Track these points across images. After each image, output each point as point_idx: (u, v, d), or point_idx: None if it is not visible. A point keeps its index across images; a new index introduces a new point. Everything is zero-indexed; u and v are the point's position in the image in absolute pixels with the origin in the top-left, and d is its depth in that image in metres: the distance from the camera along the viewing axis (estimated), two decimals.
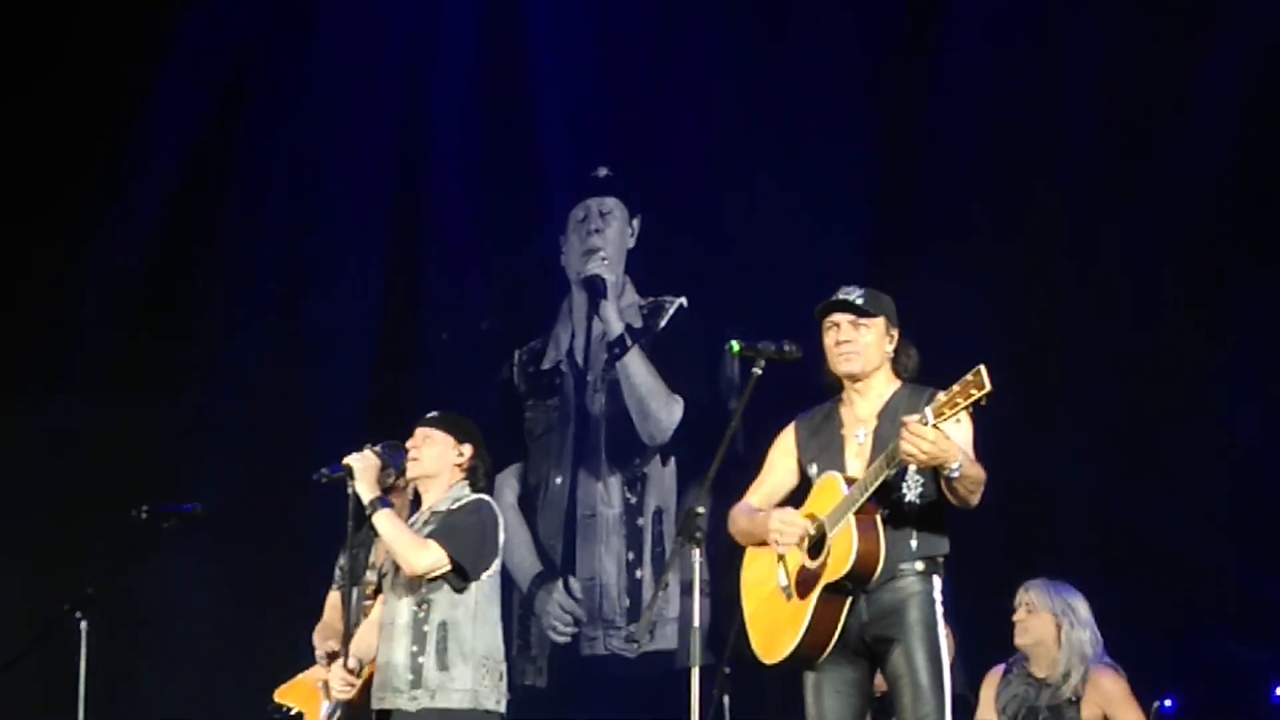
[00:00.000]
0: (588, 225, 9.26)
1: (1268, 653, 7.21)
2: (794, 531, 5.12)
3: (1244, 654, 7.19)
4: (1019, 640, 6.36)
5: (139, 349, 8.61)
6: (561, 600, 9.00)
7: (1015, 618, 6.39)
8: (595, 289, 9.24)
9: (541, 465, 9.20)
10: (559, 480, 9.17)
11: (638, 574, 8.91)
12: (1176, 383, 7.22)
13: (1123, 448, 7.34)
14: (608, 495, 9.05)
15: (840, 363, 5.25)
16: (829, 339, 5.27)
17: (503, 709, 5.88)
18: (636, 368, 9.06)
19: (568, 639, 8.95)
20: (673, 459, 8.87)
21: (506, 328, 9.37)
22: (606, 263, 9.22)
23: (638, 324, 9.12)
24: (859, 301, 5.24)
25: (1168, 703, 7.04)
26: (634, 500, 8.99)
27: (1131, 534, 7.27)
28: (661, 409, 8.94)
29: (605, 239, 9.23)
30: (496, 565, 5.95)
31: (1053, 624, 6.30)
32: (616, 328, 9.13)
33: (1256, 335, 7.15)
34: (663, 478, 8.90)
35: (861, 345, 5.24)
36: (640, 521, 8.96)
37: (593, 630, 8.96)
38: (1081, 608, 6.32)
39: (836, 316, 5.26)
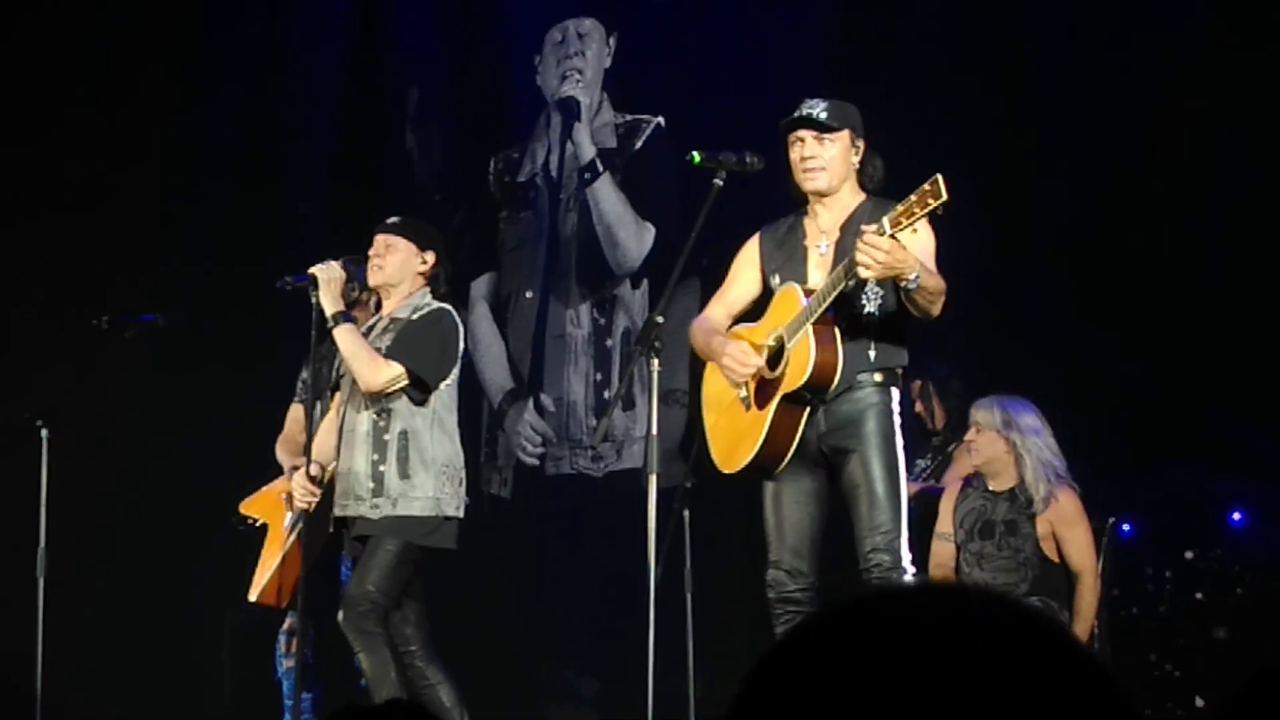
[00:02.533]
0: (565, 48, 9.14)
1: (1224, 482, 7.25)
2: (745, 371, 5.14)
3: (1202, 483, 7.22)
4: (972, 460, 6.40)
5: (99, 160, 8.51)
6: (532, 420, 9.01)
7: (966, 438, 6.43)
8: (569, 111, 9.13)
9: (513, 278, 9.16)
10: (529, 295, 9.14)
11: (605, 394, 8.92)
12: (1150, 217, 7.19)
13: (1091, 281, 7.33)
14: (577, 317, 9.02)
15: (805, 180, 5.23)
16: (794, 155, 5.24)
17: (461, 514, 5.93)
18: (606, 195, 8.98)
19: (535, 460, 8.97)
20: (645, 282, 8.83)
21: (484, 139, 9.27)
22: (582, 85, 9.11)
23: (611, 144, 9.03)
24: (822, 116, 5.20)
25: (1125, 526, 7.11)
26: (603, 322, 8.97)
27: (1096, 368, 7.27)
28: (630, 238, 8.88)
29: (584, 61, 9.12)
30: (455, 374, 5.98)
31: (1000, 440, 6.32)
32: (588, 152, 9.04)
33: (1228, 178, 7.11)
34: (633, 300, 8.87)
35: (826, 160, 5.21)
36: (609, 343, 8.94)
37: (559, 450, 8.98)
38: (1028, 418, 6.31)
39: (800, 132, 5.23)
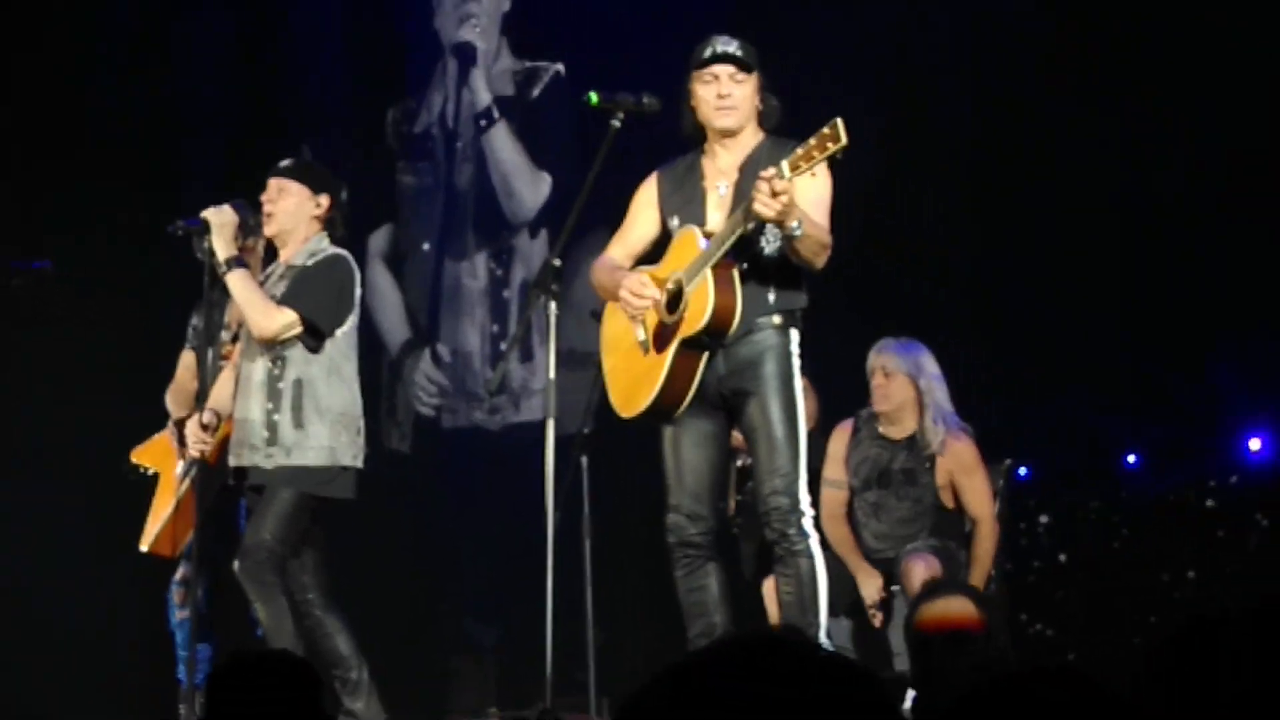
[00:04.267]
0: None
1: (1120, 420, 7.30)
2: (644, 301, 5.10)
3: (1099, 422, 7.27)
4: (879, 406, 6.32)
5: None
6: (429, 371, 8.95)
7: (874, 383, 6.34)
8: (466, 57, 9.04)
9: (410, 230, 9.09)
10: (426, 247, 9.06)
11: (501, 346, 8.87)
12: (1054, 144, 7.19)
13: (991, 213, 7.35)
14: (474, 268, 8.96)
15: (718, 117, 5.18)
16: (707, 92, 5.18)
17: (359, 464, 5.86)
18: (502, 143, 8.91)
19: (432, 411, 8.92)
20: (543, 232, 8.77)
21: (378, 87, 9.16)
22: (479, 30, 9.02)
23: (509, 91, 8.95)
24: (740, 54, 5.17)
25: (1021, 470, 7.16)
26: (500, 273, 8.91)
27: (996, 301, 7.30)
28: (525, 188, 8.82)
29: (480, 6, 9.02)
30: (352, 321, 5.89)
31: (910, 386, 6.29)
32: (484, 98, 8.96)
33: (1129, 97, 7.13)
34: (531, 251, 8.81)
35: (739, 99, 5.17)
36: (506, 294, 8.89)
37: (456, 403, 8.93)
38: (933, 365, 6.30)
39: (716, 68, 5.17)
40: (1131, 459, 7.46)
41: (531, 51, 8.88)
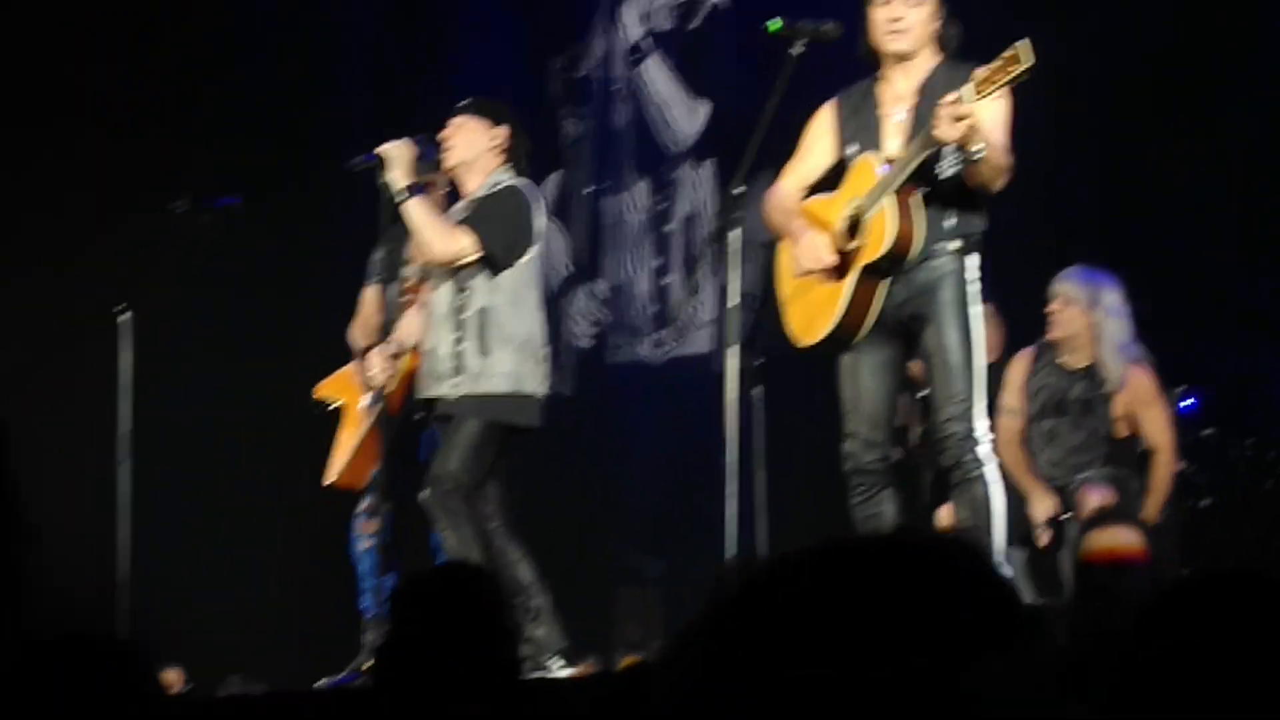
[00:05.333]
0: None
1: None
2: (816, 267, 5.09)
3: (1263, 360, 7.15)
4: (1051, 334, 6.33)
5: (161, 57, 8.52)
6: (583, 306, 9.01)
7: (1048, 309, 6.34)
8: None
9: (573, 176, 9.15)
10: (587, 190, 9.12)
11: (663, 280, 8.90)
12: (1211, 89, 7.08)
13: (1146, 151, 7.24)
14: (634, 202, 9.00)
15: (890, 41, 5.13)
16: (879, 15, 5.13)
17: (545, 391, 5.91)
18: (655, 75, 8.93)
19: (589, 343, 8.98)
20: (707, 161, 8.77)
21: (540, 33, 9.22)
22: None
23: (667, 25, 8.96)
24: None
25: (1188, 402, 7.06)
26: (662, 206, 8.94)
27: (1148, 237, 7.20)
28: (682, 116, 8.82)
29: None
30: (534, 250, 5.93)
31: (1084, 317, 6.25)
32: (635, 34, 8.99)
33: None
34: (694, 182, 8.82)
35: (913, 22, 5.11)
36: (668, 228, 8.91)
37: (618, 338, 8.98)
38: (1113, 296, 6.25)
39: None
40: None
41: None
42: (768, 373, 6.28)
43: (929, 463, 6.64)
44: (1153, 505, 6.17)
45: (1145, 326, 6.47)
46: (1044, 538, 6.21)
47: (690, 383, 8.53)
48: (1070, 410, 6.31)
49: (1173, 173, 7.14)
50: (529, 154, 6.09)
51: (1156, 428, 6.24)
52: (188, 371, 8.06)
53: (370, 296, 6.57)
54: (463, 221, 5.85)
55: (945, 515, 5.91)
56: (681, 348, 8.80)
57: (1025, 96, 5.02)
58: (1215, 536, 6.69)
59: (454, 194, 6.21)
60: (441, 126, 6.07)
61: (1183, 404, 6.85)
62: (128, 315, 6.53)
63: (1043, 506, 6.23)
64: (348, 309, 6.60)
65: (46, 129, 8.24)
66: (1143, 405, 6.24)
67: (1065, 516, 6.22)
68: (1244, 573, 1.63)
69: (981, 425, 5.05)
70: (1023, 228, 6.87)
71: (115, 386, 6.53)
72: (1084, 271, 6.32)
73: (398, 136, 6.01)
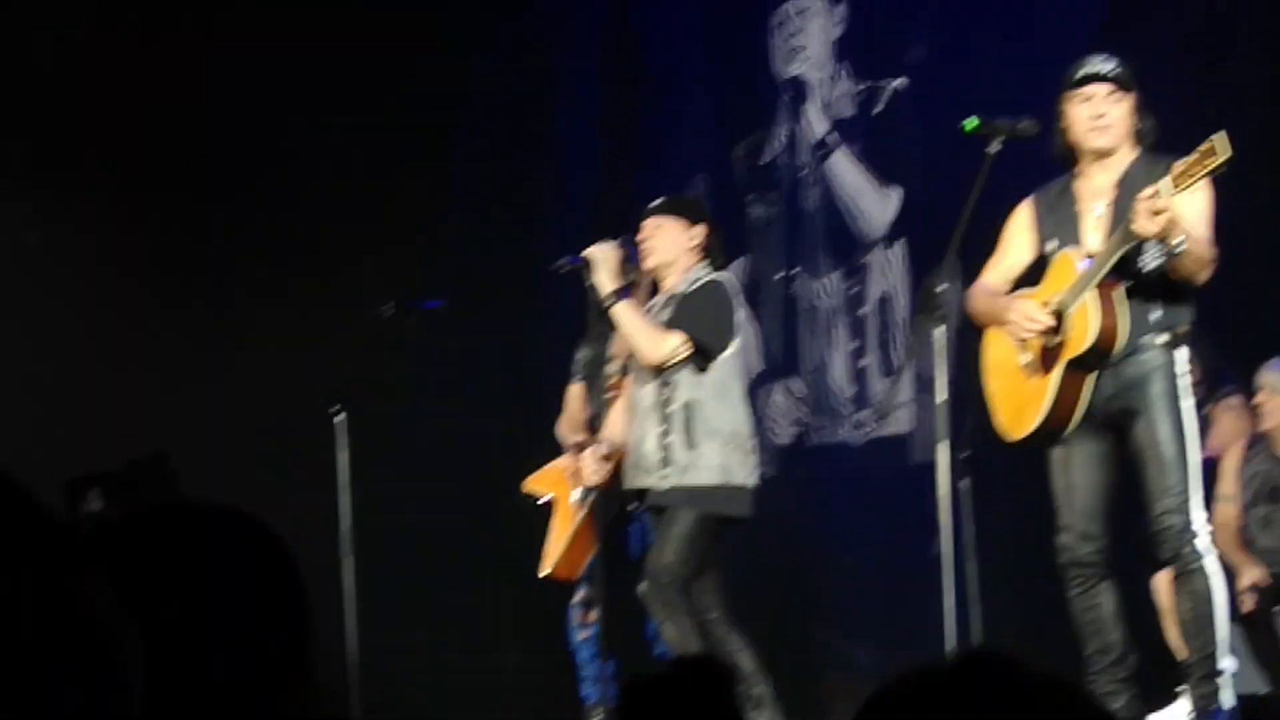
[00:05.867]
0: (786, 29, 9.19)
1: None
2: (1034, 327, 5.14)
3: None
4: (1264, 425, 6.30)
5: (376, 159, 8.78)
6: (780, 401, 9.09)
7: (1255, 400, 6.32)
8: (797, 90, 9.18)
9: (762, 260, 9.24)
10: (778, 276, 9.21)
11: (861, 362, 8.94)
12: None
13: None
14: (827, 287, 9.06)
15: (1093, 138, 5.18)
16: (1081, 112, 5.18)
17: (754, 482, 6.01)
18: (843, 168, 8.99)
19: (788, 440, 9.05)
20: (898, 244, 8.80)
21: (727, 124, 9.39)
22: (808, 62, 9.14)
23: (850, 113, 9.04)
24: (1117, 72, 5.16)
25: None
26: (855, 290, 8.98)
27: None
28: (873, 206, 8.87)
29: (807, 37, 9.15)
30: (737, 343, 6.06)
31: None
32: (819, 129, 9.07)
33: None
34: (887, 265, 8.86)
35: (1115, 119, 5.16)
36: (863, 311, 8.95)
37: (818, 420, 9.03)
38: None
39: (1091, 88, 5.16)
40: None
41: (875, 69, 8.94)
42: (974, 465, 6.32)
43: None
44: None
45: None
46: (1248, 603, 6.17)
47: (891, 465, 8.57)
48: None
49: None
50: (723, 249, 6.24)
51: None
52: (402, 469, 8.27)
53: (575, 393, 6.75)
54: (670, 321, 6.00)
55: (1159, 583, 5.91)
56: (881, 429, 8.83)
57: (1228, 187, 5.04)
58: None
59: (654, 289, 6.37)
60: (637, 227, 6.24)
61: None
62: (342, 415, 6.76)
63: (1250, 575, 6.21)
64: (555, 406, 6.77)
65: (269, 226, 8.56)
66: None
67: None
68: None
69: (1199, 517, 5.05)
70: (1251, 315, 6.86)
71: (335, 484, 6.75)
72: None
73: (603, 236, 6.20)
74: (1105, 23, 7.51)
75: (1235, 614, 5.90)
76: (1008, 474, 6.64)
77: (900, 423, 8.64)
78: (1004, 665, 1.48)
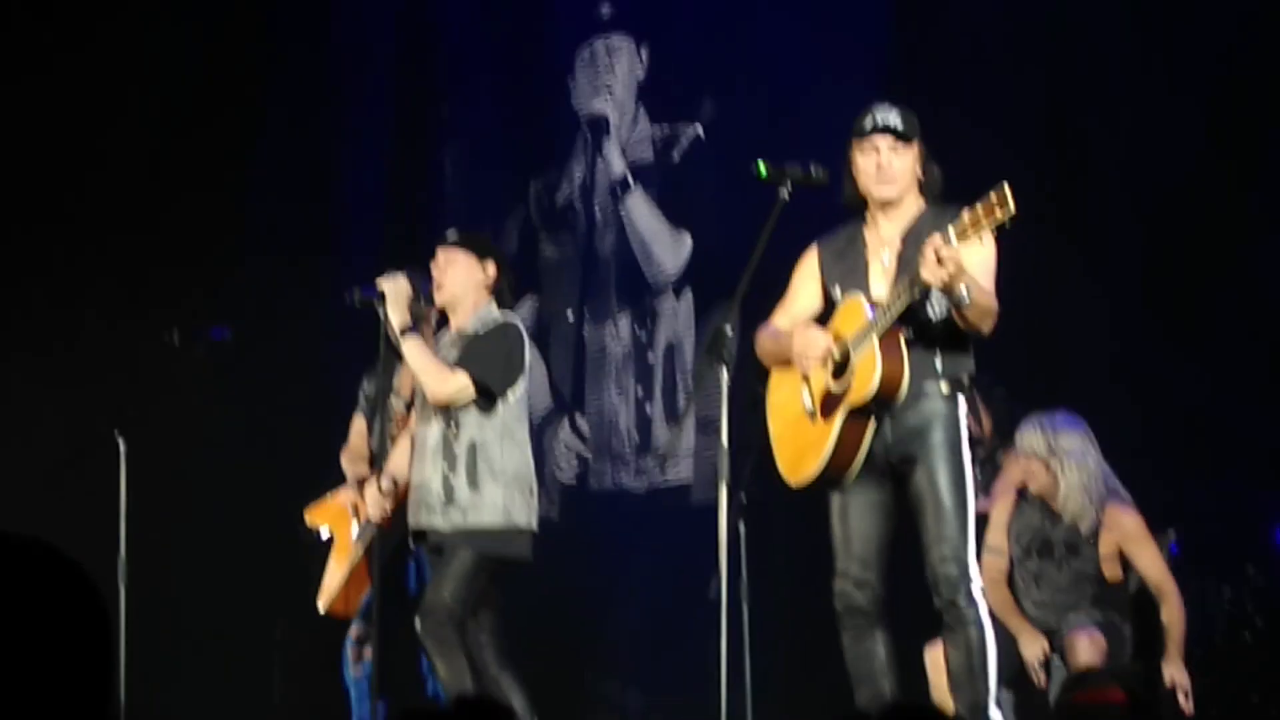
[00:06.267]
0: (594, 66, 9.21)
1: (1269, 495, 7.22)
2: (818, 349, 5.15)
3: (1246, 497, 7.19)
4: (1030, 486, 6.33)
5: (167, 188, 8.65)
6: (567, 439, 9.08)
7: (1020, 464, 6.36)
8: (598, 128, 9.21)
9: (553, 300, 9.24)
10: (569, 316, 9.21)
11: (647, 409, 8.97)
12: (1200, 231, 7.21)
13: (1139, 293, 7.36)
14: (617, 332, 9.08)
15: (878, 189, 5.23)
16: (866, 162, 5.23)
17: (534, 526, 6.01)
18: (639, 210, 9.04)
19: (572, 480, 9.04)
20: (687, 292, 8.86)
21: (523, 161, 9.38)
22: (611, 102, 9.18)
23: (648, 157, 9.08)
24: (899, 125, 5.21)
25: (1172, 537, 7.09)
26: (644, 337, 9.02)
27: (1142, 378, 7.29)
28: (665, 251, 8.93)
29: (614, 77, 9.19)
30: (524, 385, 6.06)
31: (1045, 468, 6.26)
32: (618, 168, 9.11)
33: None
34: (675, 313, 8.91)
35: (899, 170, 5.21)
36: (650, 358, 8.99)
37: (600, 465, 9.04)
38: (1069, 440, 6.23)
39: (876, 139, 5.21)
40: None
41: (671, 114, 9.01)
42: (751, 510, 6.36)
43: None
44: (1174, 641, 6.13)
45: (1134, 467, 6.52)
46: (1040, 678, 6.23)
47: (671, 513, 8.60)
48: (1055, 551, 6.30)
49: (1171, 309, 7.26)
50: (513, 288, 6.24)
51: (1152, 565, 6.24)
52: (183, 497, 8.14)
53: (359, 426, 6.69)
54: (458, 361, 5.97)
55: (931, 655, 5.95)
56: (663, 477, 8.86)
57: (1014, 238, 5.13)
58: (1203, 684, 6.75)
59: (442, 319, 6.34)
60: (430, 256, 6.21)
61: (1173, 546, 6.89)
62: (123, 442, 6.63)
63: (1034, 648, 6.24)
64: (339, 438, 6.69)
65: (55, 251, 8.39)
66: (1133, 544, 6.25)
67: (1053, 660, 6.25)
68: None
69: (974, 567, 5.12)
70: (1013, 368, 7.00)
71: (116, 510, 6.63)
72: (1038, 419, 6.32)
73: (392, 267, 6.16)
74: (885, 71, 7.68)
75: (1007, 677, 5.98)
76: (785, 519, 6.71)
77: (682, 471, 8.68)
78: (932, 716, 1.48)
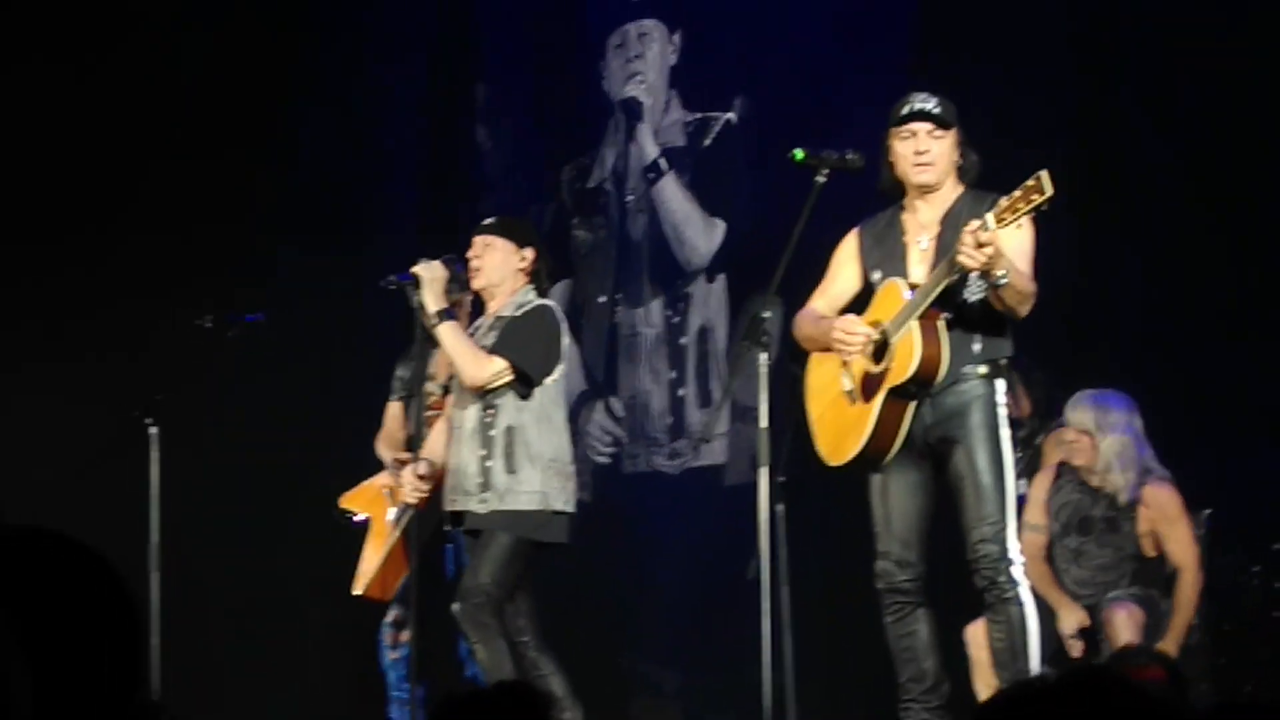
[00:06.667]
0: (626, 51, 9.21)
1: None
2: (858, 339, 5.19)
3: (1277, 476, 7.18)
4: (1074, 461, 6.39)
5: (200, 171, 8.67)
6: (602, 421, 9.09)
7: (1067, 439, 6.40)
8: (632, 112, 9.20)
9: (586, 284, 9.23)
10: (602, 300, 9.21)
11: (680, 392, 8.98)
12: (1239, 211, 7.19)
13: (1180, 274, 7.34)
14: (649, 315, 9.09)
15: (916, 174, 5.27)
16: (904, 148, 5.27)
17: (571, 509, 6.02)
18: (671, 194, 9.04)
19: (607, 459, 9.06)
20: (720, 277, 8.86)
21: (555, 145, 9.39)
22: (644, 86, 9.16)
23: (680, 143, 9.07)
24: (938, 111, 5.25)
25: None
26: (676, 320, 9.02)
27: (1178, 358, 7.28)
28: (698, 235, 8.93)
29: (645, 63, 9.18)
30: (560, 370, 6.06)
31: (1095, 442, 6.31)
32: (651, 152, 9.11)
33: None
34: (708, 297, 8.91)
35: (937, 155, 5.24)
36: (683, 340, 8.99)
37: (635, 448, 9.05)
38: (1118, 416, 6.30)
39: (914, 125, 5.25)
40: None
41: (704, 102, 9.01)
42: (789, 491, 6.36)
43: None
44: (1178, 625, 6.20)
45: (1172, 446, 6.52)
46: (1076, 649, 6.27)
47: (705, 494, 8.61)
48: (1095, 528, 6.37)
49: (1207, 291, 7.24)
50: (550, 273, 6.24)
51: (1180, 546, 6.30)
52: (216, 482, 8.15)
53: (394, 411, 6.71)
54: (495, 345, 5.97)
55: (972, 633, 5.97)
56: (696, 459, 8.87)
57: (1052, 222, 5.13)
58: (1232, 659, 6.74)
59: (476, 305, 6.35)
60: (468, 244, 6.21)
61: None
62: (155, 427, 6.65)
63: (1072, 619, 6.29)
64: (374, 423, 6.70)
65: (87, 234, 8.41)
66: (1166, 523, 6.30)
67: (1099, 638, 6.28)
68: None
69: (1015, 546, 5.14)
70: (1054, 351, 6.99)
71: (147, 496, 6.64)
72: (1092, 397, 6.38)
73: (428, 252, 6.17)
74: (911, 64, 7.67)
75: (1048, 654, 5.99)
76: (822, 500, 6.71)
77: (715, 453, 8.69)
78: (1115, 682, 1.49)
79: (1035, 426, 6.88)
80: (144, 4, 8.74)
